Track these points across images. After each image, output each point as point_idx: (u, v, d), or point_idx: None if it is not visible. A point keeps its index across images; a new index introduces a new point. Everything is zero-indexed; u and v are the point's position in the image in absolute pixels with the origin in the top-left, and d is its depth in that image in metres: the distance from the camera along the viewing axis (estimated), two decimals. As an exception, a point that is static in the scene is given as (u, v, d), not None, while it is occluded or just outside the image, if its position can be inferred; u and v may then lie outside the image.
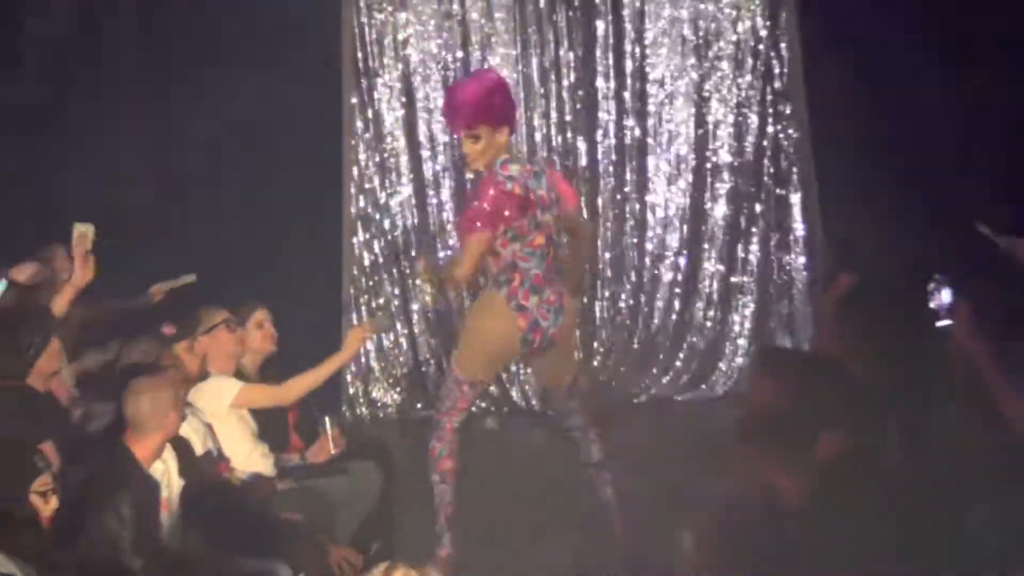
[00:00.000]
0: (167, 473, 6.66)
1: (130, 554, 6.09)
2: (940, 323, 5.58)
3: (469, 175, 12.09)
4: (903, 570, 5.21)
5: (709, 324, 12.67)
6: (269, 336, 8.43)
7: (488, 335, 8.10)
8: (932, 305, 5.58)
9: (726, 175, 12.59)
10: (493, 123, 7.91)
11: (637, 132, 12.65)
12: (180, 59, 11.41)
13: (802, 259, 12.51)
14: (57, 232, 9.44)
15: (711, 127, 12.59)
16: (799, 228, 12.52)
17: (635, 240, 12.72)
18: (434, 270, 8.30)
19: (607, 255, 12.65)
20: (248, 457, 7.87)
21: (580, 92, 12.59)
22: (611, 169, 12.66)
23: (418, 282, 9.60)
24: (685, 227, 12.67)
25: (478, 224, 7.78)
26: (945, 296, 5.54)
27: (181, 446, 6.95)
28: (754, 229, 12.61)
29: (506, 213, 7.77)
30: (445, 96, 8.29)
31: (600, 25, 12.54)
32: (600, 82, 12.60)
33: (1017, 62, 10.27)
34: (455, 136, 8.05)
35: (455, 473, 8.13)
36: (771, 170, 12.57)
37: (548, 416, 11.82)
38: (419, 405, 12.38)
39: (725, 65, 12.50)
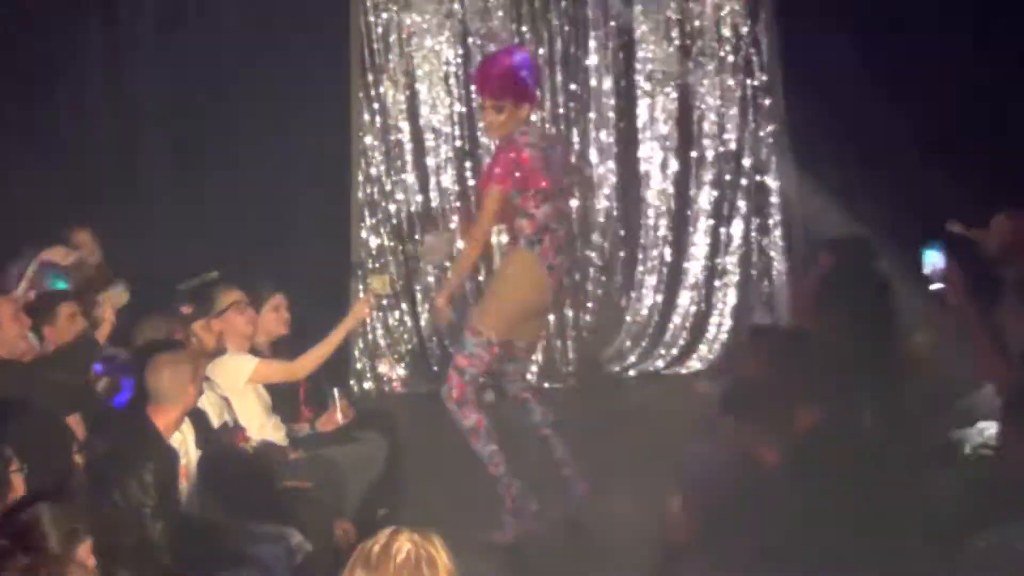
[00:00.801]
0: (185, 443, 6.65)
1: (151, 519, 6.08)
2: (933, 287, 5.65)
3: (468, 163, 12.15)
4: (872, 533, 5.20)
5: (693, 303, 12.66)
6: (283, 320, 8.41)
7: (523, 294, 8.13)
8: (926, 271, 5.66)
9: (709, 164, 12.57)
10: (518, 98, 8.00)
11: (625, 124, 12.61)
12: (194, 52, 11.36)
13: (781, 242, 12.50)
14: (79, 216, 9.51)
15: (696, 119, 12.56)
16: (778, 213, 12.50)
17: (624, 224, 12.69)
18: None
19: (598, 238, 12.63)
20: (262, 428, 7.86)
21: (572, 86, 12.56)
22: (602, 158, 12.62)
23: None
24: (671, 212, 12.64)
25: (492, 181, 7.87)
26: (939, 262, 5.62)
27: (198, 417, 6.94)
28: (736, 214, 12.60)
29: (517, 175, 7.83)
30: (479, 66, 8.31)
31: (591, 23, 12.50)
32: (592, 77, 12.57)
33: (996, 54, 10.26)
34: (482, 103, 8.00)
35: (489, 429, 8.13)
36: (752, 159, 12.55)
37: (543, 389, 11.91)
38: (423, 380, 12.37)
39: (709, 61, 12.47)
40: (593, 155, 12.61)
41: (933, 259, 5.70)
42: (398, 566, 3.42)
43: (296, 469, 7.67)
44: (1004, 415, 5.39)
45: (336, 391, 8.38)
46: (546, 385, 12.27)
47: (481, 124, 8.12)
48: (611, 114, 12.61)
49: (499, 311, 8.07)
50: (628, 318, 12.72)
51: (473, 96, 11.90)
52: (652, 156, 12.64)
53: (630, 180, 12.67)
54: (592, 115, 12.62)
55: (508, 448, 8.21)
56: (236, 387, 7.78)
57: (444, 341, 12.35)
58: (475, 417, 8.06)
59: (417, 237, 12.35)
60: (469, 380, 8.05)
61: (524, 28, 12.46)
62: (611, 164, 12.65)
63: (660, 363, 12.59)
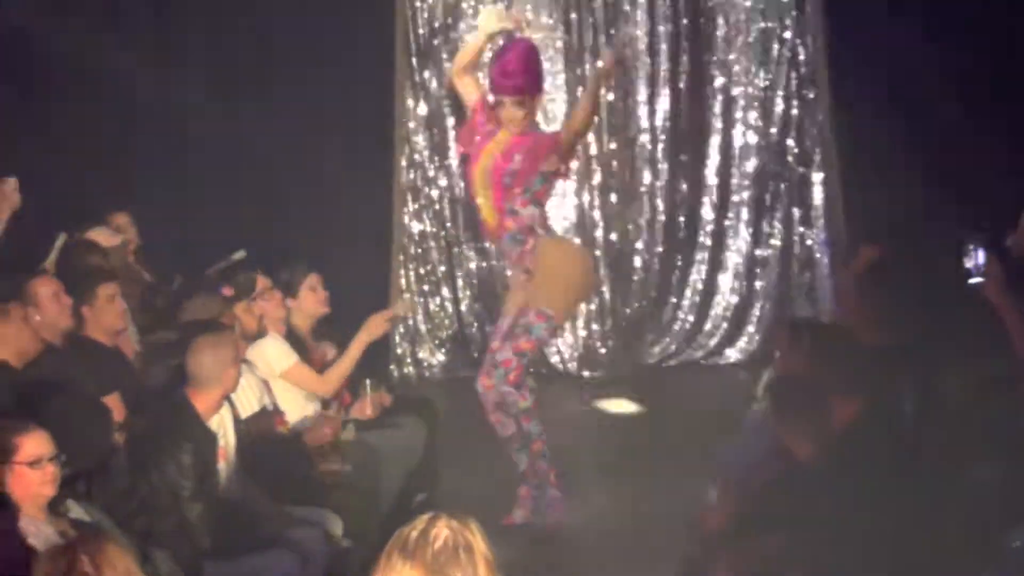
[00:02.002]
0: (223, 425, 6.65)
1: (189, 501, 6.09)
2: (973, 280, 5.62)
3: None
4: (912, 528, 5.17)
5: (734, 293, 12.62)
6: (321, 299, 8.39)
7: (578, 276, 8.31)
8: (967, 264, 5.62)
9: (753, 155, 12.52)
10: (536, 90, 8.11)
11: (670, 115, 12.59)
12: (242, 40, 11.37)
13: (823, 234, 12.44)
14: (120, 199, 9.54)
15: (740, 109, 12.51)
16: (821, 205, 12.44)
17: (666, 214, 12.66)
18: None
19: (643, 224, 12.61)
20: (302, 412, 7.85)
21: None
22: (643, 148, 12.59)
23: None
24: (713, 203, 12.60)
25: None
26: (979, 256, 5.58)
27: (236, 401, 6.95)
28: (778, 206, 12.55)
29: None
30: (495, 64, 8.23)
31: (636, 13, 12.46)
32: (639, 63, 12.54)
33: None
34: (498, 102, 7.97)
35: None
36: (795, 150, 12.49)
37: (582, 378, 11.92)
38: (462, 366, 12.38)
39: (753, 52, 12.42)
40: (636, 145, 12.57)
41: (972, 253, 5.66)
42: (435, 552, 3.41)
43: (337, 452, 7.67)
44: None
45: (368, 382, 8.37)
46: (585, 373, 12.27)
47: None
48: (654, 103, 12.57)
49: (564, 295, 8.16)
50: (668, 308, 12.69)
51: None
52: (694, 147, 12.59)
53: (672, 170, 12.63)
54: (636, 101, 12.59)
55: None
56: (272, 374, 7.78)
57: (485, 327, 12.35)
58: (531, 398, 8.07)
59: (460, 223, 12.39)
60: (526, 363, 8.10)
61: (572, 15, 12.43)
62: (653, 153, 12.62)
63: (700, 353, 12.57)
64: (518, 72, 7.91)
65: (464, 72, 8.33)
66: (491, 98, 8.13)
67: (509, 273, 8.23)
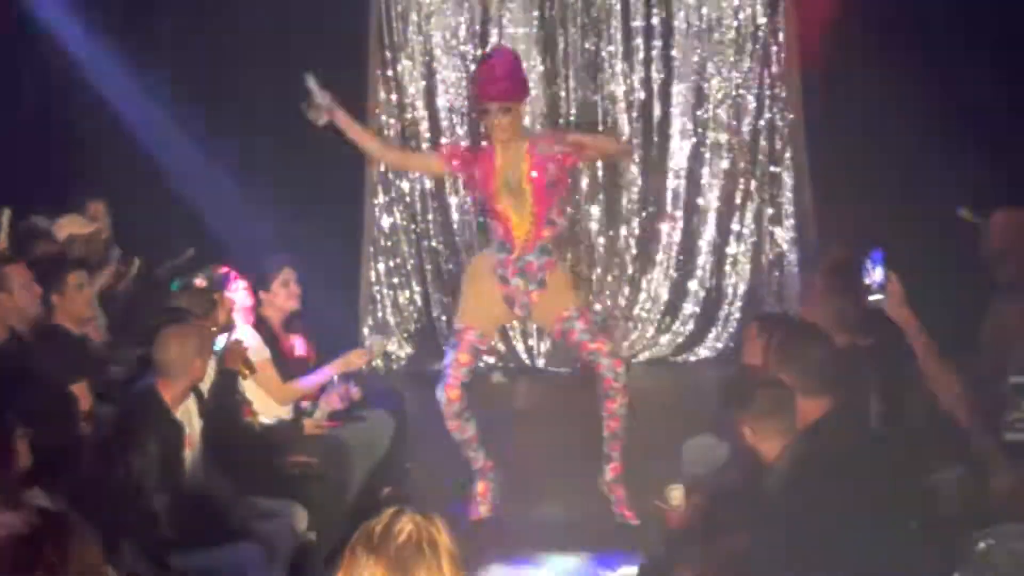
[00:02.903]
0: (188, 413, 6.64)
1: (155, 492, 6.08)
2: (873, 298, 5.46)
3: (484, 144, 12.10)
4: (877, 529, 5.18)
5: (703, 290, 12.66)
6: (293, 293, 8.38)
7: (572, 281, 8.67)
8: (866, 281, 5.45)
9: (723, 153, 12.55)
10: (522, 97, 8.10)
11: (641, 111, 12.62)
12: (211, 26, 11.36)
13: (792, 233, 12.49)
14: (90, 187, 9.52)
15: (711, 107, 12.54)
16: (791, 204, 12.48)
17: (636, 211, 12.69)
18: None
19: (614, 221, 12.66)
20: (268, 403, 7.86)
21: (585, 75, 12.58)
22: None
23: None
24: (684, 200, 12.64)
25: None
26: (878, 274, 5.40)
27: (200, 390, 6.93)
28: (749, 204, 12.59)
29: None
30: (481, 72, 8.18)
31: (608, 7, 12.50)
32: (609, 62, 12.56)
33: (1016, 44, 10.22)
34: (484, 108, 7.93)
35: None
36: (766, 149, 12.53)
37: (549, 371, 11.94)
38: (430, 359, 12.40)
39: (726, 50, 12.45)
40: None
41: (869, 270, 5.45)
42: (400, 547, 3.42)
43: (304, 444, 7.68)
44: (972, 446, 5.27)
45: (335, 376, 8.39)
46: (553, 370, 12.30)
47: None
48: (628, 98, 12.60)
49: (577, 291, 8.49)
50: (638, 304, 12.72)
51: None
52: (665, 143, 12.62)
53: (643, 167, 12.66)
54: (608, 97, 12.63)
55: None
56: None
57: (453, 319, 12.37)
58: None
59: (430, 217, 12.40)
60: None
61: (548, 11, 12.46)
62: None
63: (669, 350, 12.61)
64: (504, 78, 7.87)
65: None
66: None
67: (515, 284, 8.06)
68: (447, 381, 8.05)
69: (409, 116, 12.54)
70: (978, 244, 7.25)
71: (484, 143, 8.34)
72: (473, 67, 12.35)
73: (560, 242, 8.27)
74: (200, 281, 7.94)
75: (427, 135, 12.54)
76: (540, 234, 8.01)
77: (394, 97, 12.49)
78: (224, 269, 8.10)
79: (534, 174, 7.91)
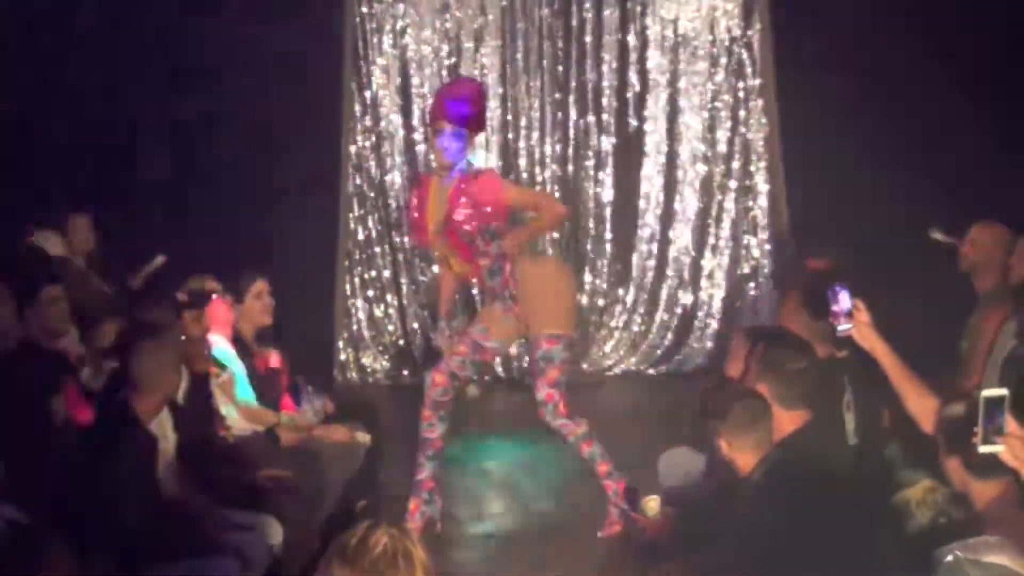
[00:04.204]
0: (162, 426, 6.63)
1: (128, 504, 6.07)
2: (841, 328, 5.46)
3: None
4: (848, 541, 5.21)
5: (679, 303, 12.69)
6: (267, 306, 8.36)
7: (571, 288, 8.40)
8: (834, 309, 5.45)
9: (699, 165, 12.58)
10: (478, 127, 7.97)
11: (616, 123, 12.65)
12: (188, 36, 11.35)
13: (768, 245, 12.51)
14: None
15: (686, 120, 12.56)
16: (766, 216, 12.51)
17: (612, 224, 12.72)
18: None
19: (590, 233, 12.68)
20: (237, 418, 7.85)
21: (555, 95, 12.63)
22: (589, 157, 12.64)
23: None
24: (659, 213, 12.66)
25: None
26: (844, 301, 5.41)
27: (177, 403, 6.92)
28: (724, 216, 12.61)
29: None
30: (441, 91, 8.13)
31: (582, 21, 12.55)
32: (585, 74, 12.61)
33: (993, 60, 10.27)
34: (437, 128, 7.74)
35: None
36: (741, 161, 12.56)
37: (524, 384, 11.94)
38: (406, 372, 12.41)
39: (701, 62, 12.48)
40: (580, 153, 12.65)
41: (835, 297, 5.46)
42: (374, 559, 3.43)
43: (279, 457, 7.67)
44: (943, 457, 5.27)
45: (309, 388, 8.39)
46: (528, 382, 12.29)
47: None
48: (600, 111, 12.64)
49: (562, 309, 7.99)
50: (614, 317, 12.75)
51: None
52: (640, 156, 12.65)
53: (618, 180, 12.69)
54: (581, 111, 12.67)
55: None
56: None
57: (429, 334, 12.41)
58: (584, 422, 7.99)
59: (405, 230, 12.38)
60: (564, 390, 7.94)
61: (518, 24, 12.48)
62: (603, 161, 12.68)
63: (644, 362, 12.63)
64: (466, 101, 7.76)
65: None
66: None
67: (496, 304, 7.95)
68: (438, 366, 8.06)
69: (383, 130, 12.54)
70: (954, 260, 7.32)
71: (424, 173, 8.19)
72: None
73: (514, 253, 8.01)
74: (182, 295, 7.93)
75: (400, 148, 12.56)
76: (477, 267, 7.94)
77: (369, 111, 12.50)
78: (211, 284, 8.07)
79: (451, 223, 7.78)
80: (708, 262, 12.68)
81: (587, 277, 12.70)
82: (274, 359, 8.47)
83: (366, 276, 12.62)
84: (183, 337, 7.22)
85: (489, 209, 7.72)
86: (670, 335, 12.72)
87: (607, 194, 12.70)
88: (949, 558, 4.31)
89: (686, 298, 12.71)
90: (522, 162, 12.63)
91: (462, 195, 7.75)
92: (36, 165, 10.66)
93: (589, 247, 12.72)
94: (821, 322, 6.39)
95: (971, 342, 7.09)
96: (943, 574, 4.30)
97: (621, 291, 12.76)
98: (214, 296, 8.02)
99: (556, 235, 12.32)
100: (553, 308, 7.93)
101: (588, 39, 12.54)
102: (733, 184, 12.58)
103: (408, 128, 12.58)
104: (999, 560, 4.23)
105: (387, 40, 12.46)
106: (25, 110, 10.77)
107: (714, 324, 12.62)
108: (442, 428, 8.09)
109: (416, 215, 8.04)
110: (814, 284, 7.29)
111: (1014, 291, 6.90)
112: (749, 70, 12.42)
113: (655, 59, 12.50)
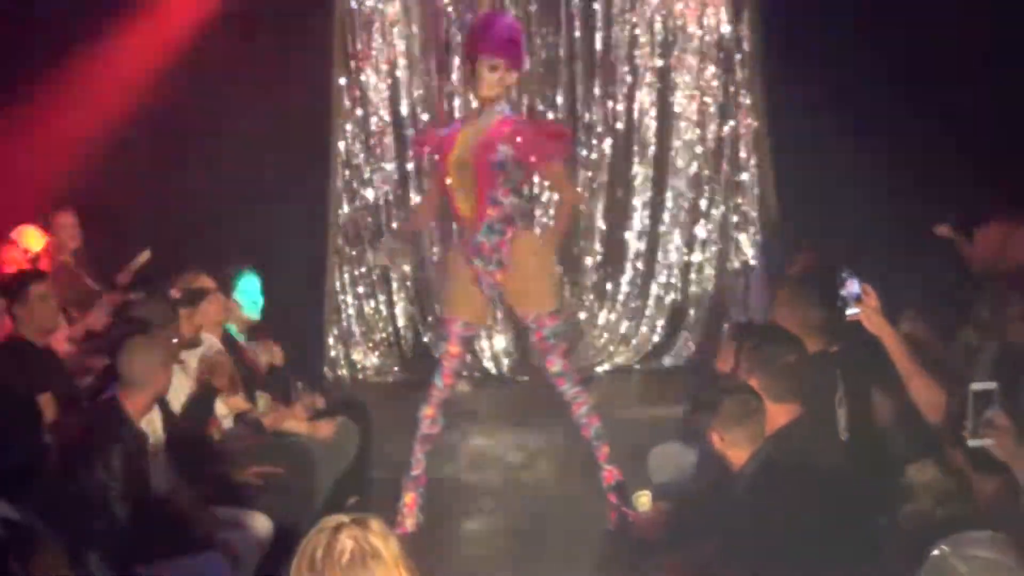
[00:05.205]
0: (153, 424, 6.63)
1: (119, 502, 6.07)
2: (850, 311, 5.49)
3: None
4: (841, 536, 5.22)
5: (668, 299, 12.69)
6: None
7: (556, 267, 8.53)
8: (842, 294, 5.47)
9: (688, 159, 12.56)
10: (513, 62, 7.83)
11: (605, 116, 12.65)
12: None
13: (758, 240, 12.51)
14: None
15: (675, 114, 12.56)
16: (756, 211, 12.50)
17: (600, 219, 12.72)
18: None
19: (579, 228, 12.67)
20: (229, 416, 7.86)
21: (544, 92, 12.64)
22: (579, 151, 12.62)
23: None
24: (648, 207, 12.66)
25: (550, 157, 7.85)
26: (853, 287, 5.43)
27: (165, 401, 6.93)
28: (713, 211, 12.60)
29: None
30: (478, 22, 8.12)
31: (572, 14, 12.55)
32: (573, 67, 12.60)
33: (984, 53, 10.26)
34: (491, 64, 7.65)
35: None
36: (730, 156, 12.55)
37: (514, 380, 11.95)
38: (396, 368, 12.41)
39: (690, 57, 12.47)
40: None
41: (846, 282, 5.48)
42: (344, 568, 3.42)
43: (268, 454, 7.67)
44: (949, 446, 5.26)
45: (300, 384, 8.40)
46: (517, 378, 12.30)
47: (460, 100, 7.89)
48: (590, 104, 12.65)
49: (557, 286, 8.28)
50: (602, 313, 12.75)
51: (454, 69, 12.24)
52: (629, 150, 12.66)
53: (608, 174, 12.69)
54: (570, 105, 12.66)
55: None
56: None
57: (419, 328, 12.43)
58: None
59: (395, 226, 12.35)
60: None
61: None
62: (592, 155, 12.68)
63: (634, 358, 12.63)
64: (515, 39, 7.75)
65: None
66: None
67: (476, 265, 7.91)
68: (443, 371, 8.07)
69: (373, 125, 12.52)
70: (961, 255, 7.33)
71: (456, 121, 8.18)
72: (436, 80, 12.41)
73: (521, 221, 7.97)
74: (175, 292, 7.93)
75: (390, 143, 12.54)
76: (484, 213, 7.81)
77: (358, 106, 12.49)
78: (204, 281, 8.07)
79: (485, 152, 7.73)
80: (697, 257, 12.67)
81: (576, 272, 12.71)
82: (263, 356, 8.50)
83: (356, 272, 12.62)
84: (174, 339, 7.24)
85: (551, 145, 7.78)
86: (660, 330, 12.72)
87: (597, 187, 12.68)
88: (936, 552, 4.35)
89: (676, 293, 12.70)
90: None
91: (515, 131, 7.74)
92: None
93: (580, 242, 12.71)
94: (821, 311, 6.43)
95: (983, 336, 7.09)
96: (930, 568, 4.33)
97: (610, 286, 12.75)
98: (212, 295, 8.03)
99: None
100: (548, 286, 8.08)
101: (577, 34, 12.53)
102: (722, 179, 12.57)
103: (397, 124, 12.54)
104: (986, 554, 4.26)
105: (376, 37, 12.43)
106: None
107: (704, 319, 12.61)
108: (440, 426, 8.13)
109: (442, 157, 7.97)
110: (805, 278, 7.32)
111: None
112: (739, 64, 12.41)
113: (644, 54, 12.48)
